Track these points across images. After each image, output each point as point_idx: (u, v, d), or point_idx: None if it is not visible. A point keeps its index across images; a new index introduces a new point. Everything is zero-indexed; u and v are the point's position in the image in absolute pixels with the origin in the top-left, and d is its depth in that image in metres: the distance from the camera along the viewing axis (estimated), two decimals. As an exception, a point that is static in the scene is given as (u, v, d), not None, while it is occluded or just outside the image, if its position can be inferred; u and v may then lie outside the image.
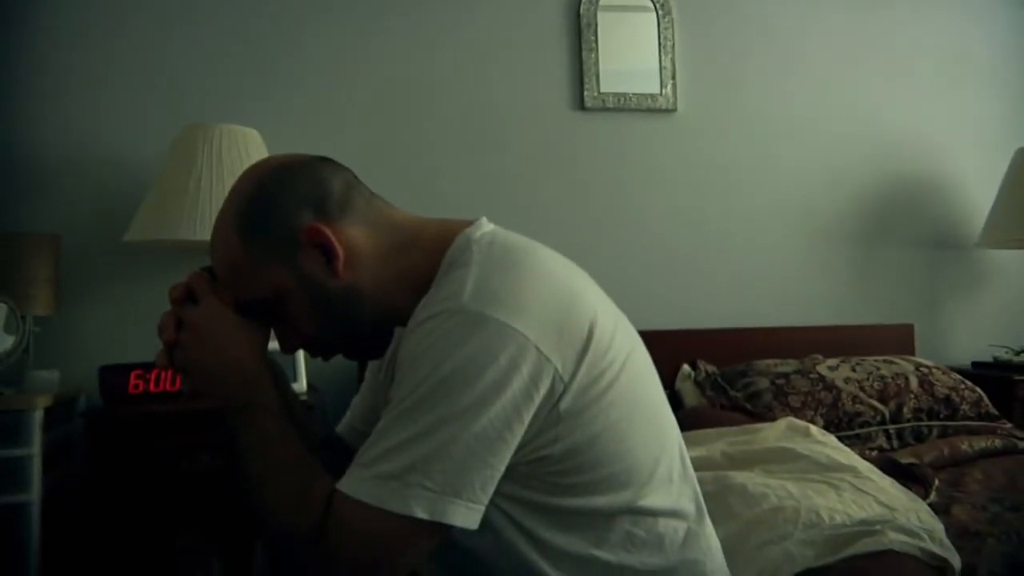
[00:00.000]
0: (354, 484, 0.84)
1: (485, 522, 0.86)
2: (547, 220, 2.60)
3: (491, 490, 0.85)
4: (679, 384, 2.46)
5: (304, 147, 2.53)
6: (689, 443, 1.84)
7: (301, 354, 2.16)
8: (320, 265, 0.95)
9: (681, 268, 2.71)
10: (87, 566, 2.04)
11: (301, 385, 2.11)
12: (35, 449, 1.87)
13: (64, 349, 2.26)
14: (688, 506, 1.01)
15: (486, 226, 1.01)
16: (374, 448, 0.85)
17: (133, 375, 2.02)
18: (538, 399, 0.85)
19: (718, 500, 1.45)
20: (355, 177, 1.02)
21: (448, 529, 0.84)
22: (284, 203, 0.95)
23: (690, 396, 2.38)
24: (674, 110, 2.72)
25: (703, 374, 2.45)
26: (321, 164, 1.00)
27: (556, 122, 2.67)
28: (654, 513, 0.96)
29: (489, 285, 0.87)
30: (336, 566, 0.84)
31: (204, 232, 2.02)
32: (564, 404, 0.87)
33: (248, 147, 2.16)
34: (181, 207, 2.04)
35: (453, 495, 0.82)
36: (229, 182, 2.08)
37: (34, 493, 1.86)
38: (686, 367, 2.51)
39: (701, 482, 1.53)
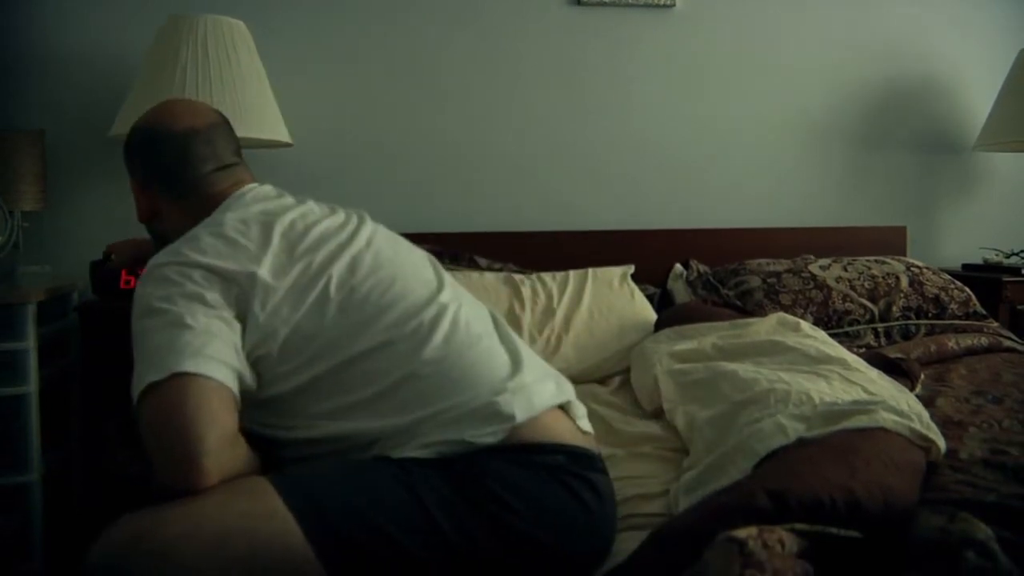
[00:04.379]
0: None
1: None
2: (540, 117, 2.56)
3: (216, 352, 1.02)
4: (671, 283, 2.47)
5: (291, 39, 2.47)
6: (680, 337, 1.87)
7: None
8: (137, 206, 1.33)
9: (675, 167, 2.68)
10: (85, 457, 2.09)
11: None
12: (30, 342, 1.89)
13: (55, 245, 2.25)
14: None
15: (237, 199, 1.26)
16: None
17: (124, 270, 2.01)
18: (209, 292, 1.09)
19: (709, 386, 1.47)
20: (217, 150, 1.29)
21: (201, 381, 0.99)
22: (137, 155, 1.31)
23: (681, 296, 2.40)
24: (672, 6, 2.65)
25: (695, 273, 2.46)
26: (180, 141, 1.27)
27: (551, 17, 2.60)
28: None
29: (183, 241, 1.16)
30: (152, 450, 0.98)
31: (192, 125, 1.98)
32: (253, 304, 1.10)
33: (234, 39, 2.10)
34: (167, 100, 1.99)
35: (174, 355, 1.00)
36: (214, 74, 2.05)
37: (32, 385, 1.89)
38: (678, 267, 2.52)
39: (692, 372, 1.57)
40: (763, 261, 2.42)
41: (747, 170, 2.73)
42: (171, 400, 0.98)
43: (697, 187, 2.70)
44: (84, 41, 2.29)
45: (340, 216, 1.28)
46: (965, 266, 2.75)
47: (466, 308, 1.23)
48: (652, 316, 2.16)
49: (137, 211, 1.33)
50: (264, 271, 1.11)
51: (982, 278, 2.57)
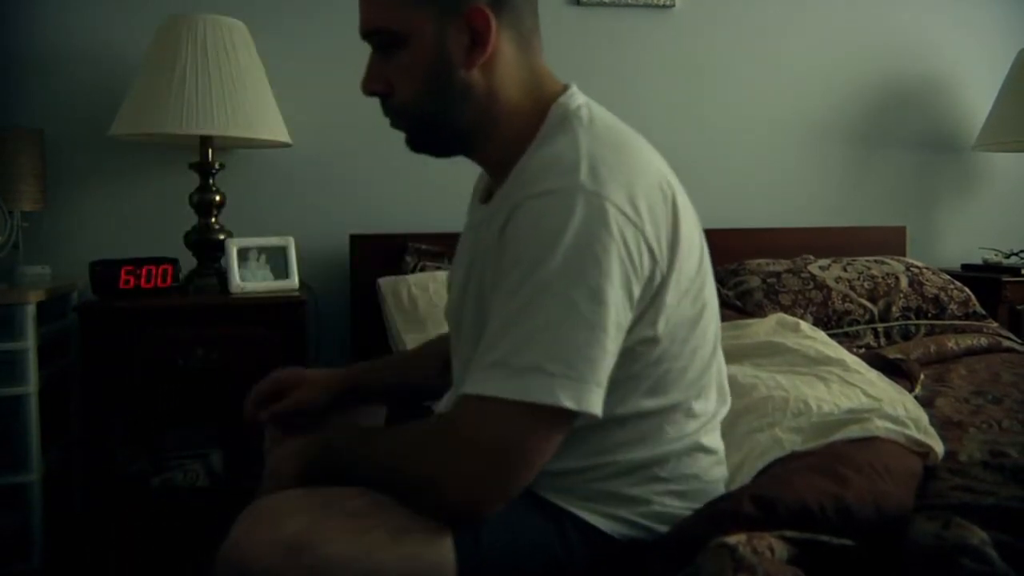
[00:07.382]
0: (488, 382, 0.79)
1: None
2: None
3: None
4: (670, 284, 2.47)
5: (292, 40, 2.46)
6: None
7: (293, 255, 2.15)
8: (462, 47, 0.94)
9: (675, 167, 2.61)
10: (85, 457, 2.09)
11: (293, 282, 2.11)
12: (30, 343, 1.89)
13: (55, 245, 2.25)
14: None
15: (580, 96, 1.02)
16: (502, 342, 0.80)
17: (123, 270, 2.00)
18: (638, 288, 0.85)
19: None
20: (536, 8, 1.02)
21: (578, 418, 0.81)
22: None
23: (681, 296, 2.40)
24: (672, 6, 2.64)
25: (695, 274, 2.45)
26: None
27: (550, 16, 2.54)
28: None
29: (603, 166, 0.87)
30: (469, 476, 0.80)
31: (189, 125, 1.98)
32: (662, 295, 0.89)
33: (233, 39, 2.09)
34: (165, 100, 1.99)
35: (594, 382, 0.79)
36: (214, 74, 2.04)
37: (31, 385, 1.88)
38: (678, 267, 2.51)
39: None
40: (763, 261, 2.42)
41: (747, 170, 2.73)
42: (551, 439, 0.81)
43: (697, 187, 2.64)
44: (84, 40, 2.29)
45: None
46: (964, 266, 2.75)
47: None
48: (652, 316, 2.15)
49: (469, 47, 0.94)
50: (672, 275, 0.90)
51: (981, 278, 2.57)
